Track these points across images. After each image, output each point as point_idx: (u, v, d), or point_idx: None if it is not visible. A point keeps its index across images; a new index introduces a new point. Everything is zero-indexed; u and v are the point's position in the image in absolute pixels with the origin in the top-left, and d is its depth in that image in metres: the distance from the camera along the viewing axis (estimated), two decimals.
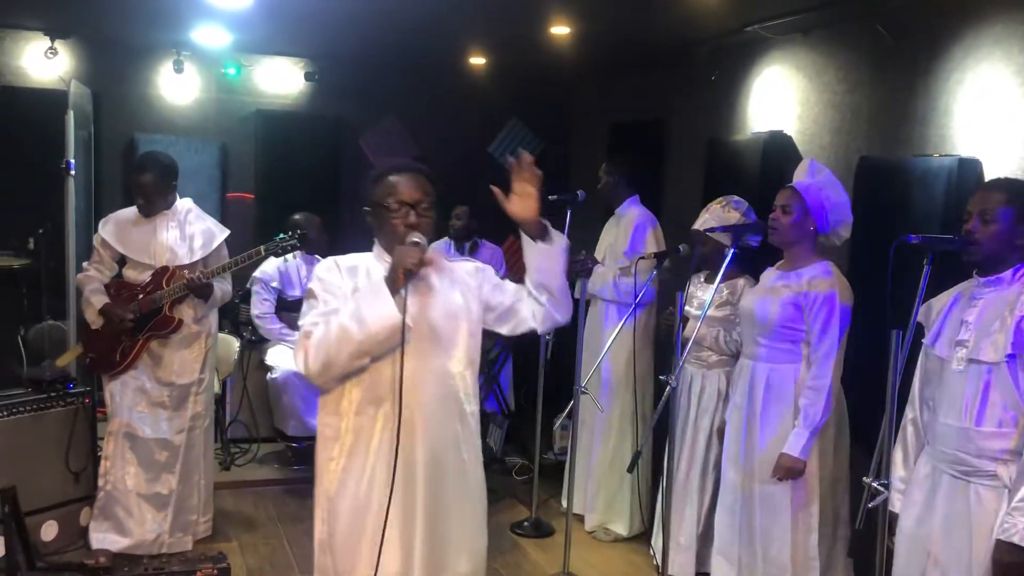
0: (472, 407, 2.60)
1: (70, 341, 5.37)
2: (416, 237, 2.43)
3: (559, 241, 2.60)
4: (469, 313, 2.59)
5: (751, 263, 4.03)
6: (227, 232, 4.40)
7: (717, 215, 4.06)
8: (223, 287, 4.33)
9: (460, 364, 2.56)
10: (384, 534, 2.38)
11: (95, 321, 4.24)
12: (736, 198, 4.11)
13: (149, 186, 4.21)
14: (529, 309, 2.63)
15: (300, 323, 2.50)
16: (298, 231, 4.08)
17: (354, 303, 2.40)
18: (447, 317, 2.54)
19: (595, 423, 4.80)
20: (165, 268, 4.22)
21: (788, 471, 3.37)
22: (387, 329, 2.35)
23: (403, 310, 2.33)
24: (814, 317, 3.40)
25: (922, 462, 2.77)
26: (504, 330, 2.68)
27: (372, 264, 2.57)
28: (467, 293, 2.61)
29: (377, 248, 2.60)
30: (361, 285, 2.50)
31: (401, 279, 2.36)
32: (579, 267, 4.55)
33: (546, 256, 2.58)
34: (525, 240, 2.59)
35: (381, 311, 2.34)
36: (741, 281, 4.02)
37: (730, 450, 3.69)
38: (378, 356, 2.43)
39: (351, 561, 2.48)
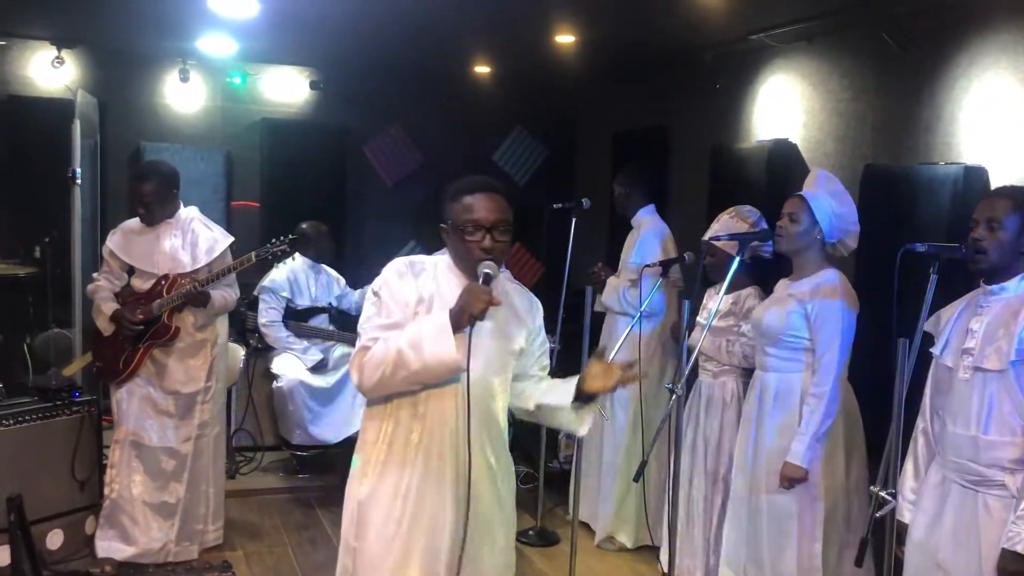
0: (503, 427, 2.63)
1: (76, 349, 5.39)
2: (488, 268, 2.40)
3: (587, 423, 2.61)
4: (519, 354, 2.61)
5: (763, 273, 4.02)
6: (231, 239, 4.39)
7: (726, 225, 4.05)
8: (224, 295, 4.32)
9: (503, 398, 2.59)
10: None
11: (107, 328, 4.25)
12: (748, 208, 4.08)
13: (149, 195, 4.22)
14: (526, 387, 2.66)
15: (361, 326, 2.50)
16: (290, 236, 4.08)
17: (417, 330, 2.38)
18: (501, 357, 2.55)
19: (602, 432, 4.78)
20: (166, 276, 4.23)
21: (790, 479, 3.36)
22: (445, 368, 2.36)
23: (467, 354, 2.34)
24: (817, 325, 3.40)
25: (932, 471, 2.77)
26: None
27: (443, 272, 2.55)
28: (527, 336, 2.61)
29: (449, 259, 2.57)
30: (427, 294, 2.50)
31: (467, 322, 2.35)
32: (592, 278, 4.53)
33: (565, 418, 2.61)
34: (566, 393, 2.57)
35: (442, 351, 2.33)
36: (746, 292, 4.00)
37: (739, 459, 3.68)
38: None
39: (374, 569, 2.49)
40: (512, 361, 2.58)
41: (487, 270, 2.40)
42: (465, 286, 2.41)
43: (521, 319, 2.61)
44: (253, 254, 4.15)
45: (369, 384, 2.43)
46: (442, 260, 2.58)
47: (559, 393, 2.60)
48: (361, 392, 2.51)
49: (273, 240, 4.13)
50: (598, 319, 4.97)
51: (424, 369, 2.36)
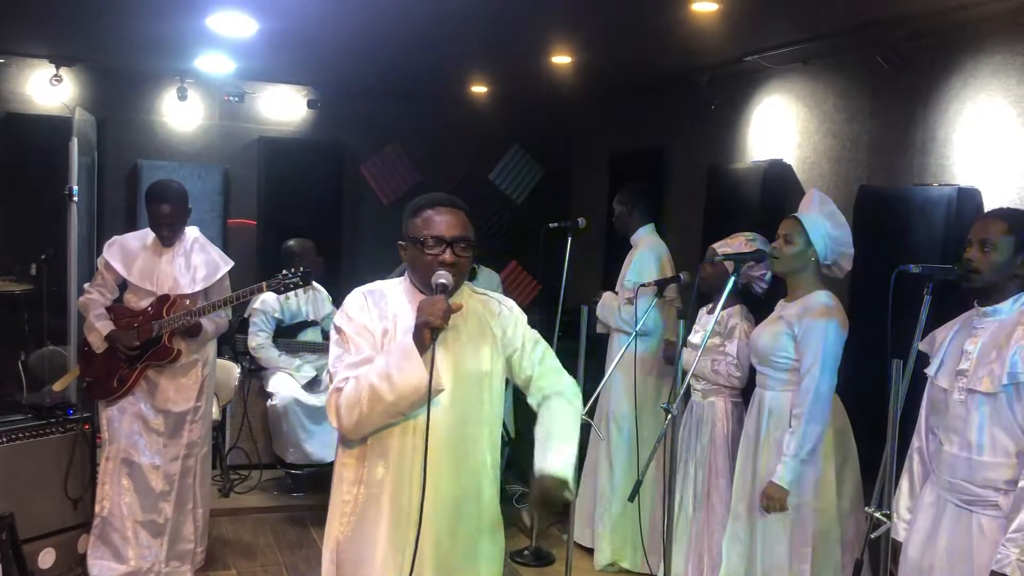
0: (493, 458, 2.56)
1: (71, 367, 5.37)
2: (442, 278, 2.36)
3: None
4: (494, 366, 2.53)
5: (757, 298, 4.03)
6: (231, 264, 4.37)
7: (738, 245, 4.02)
8: (217, 321, 4.30)
9: (483, 416, 2.51)
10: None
11: (100, 346, 4.22)
12: (762, 238, 3.99)
13: (170, 216, 4.18)
14: (533, 394, 2.62)
15: (330, 368, 2.45)
16: (301, 269, 4.03)
17: (384, 361, 2.33)
18: (474, 373, 2.49)
19: (598, 452, 4.78)
20: (166, 296, 4.19)
21: (772, 500, 3.36)
22: (418, 393, 2.28)
23: (431, 370, 2.27)
24: (803, 345, 3.41)
25: (927, 491, 2.77)
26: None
27: (400, 299, 2.49)
28: (494, 344, 2.54)
29: (407, 281, 2.53)
30: (390, 324, 2.45)
31: (427, 337, 2.28)
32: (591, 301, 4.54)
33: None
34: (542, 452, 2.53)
35: (411, 375, 2.28)
36: (728, 311, 3.99)
37: (739, 478, 3.68)
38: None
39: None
40: (487, 380, 2.51)
41: (441, 280, 2.36)
42: (420, 301, 2.36)
43: (485, 332, 2.53)
44: (264, 284, 4.08)
45: (349, 425, 2.37)
46: (399, 284, 2.54)
47: (540, 448, 2.52)
48: (343, 433, 2.44)
49: (284, 272, 4.07)
50: (600, 339, 4.97)
51: (399, 398, 2.30)
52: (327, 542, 2.53)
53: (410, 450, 2.40)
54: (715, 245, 4.06)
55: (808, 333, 3.40)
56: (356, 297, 2.49)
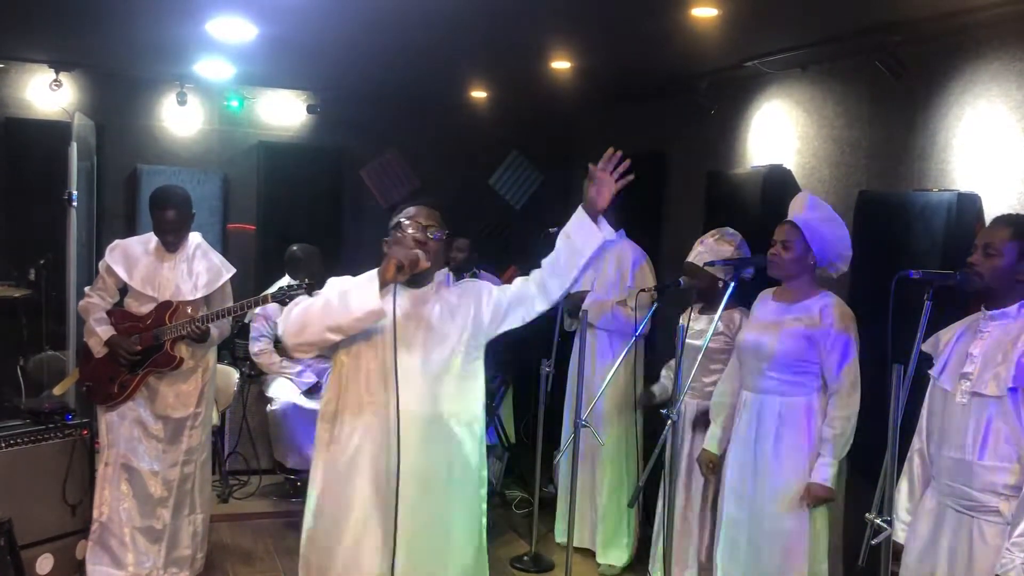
0: (465, 428, 2.78)
1: (70, 371, 5.36)
2: (419, 250, 2.66)
3: (606, 230, 2.79)
4: (458, 337, 2.76)
5: (743, 295, 4.03)
6: (233, 271, 4.36)
7: (711, 248, 4.07)
8: (221, 328, 4.29)
9: (451, 387, 2.73)
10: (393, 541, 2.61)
11: (99, 351, 4.21)
12: (730, 230, 4.13)
13: (175, 221, 4.17)
14: (535, 290, 2.80)
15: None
16: (305, 280, 4.04)
17: (344, 286, 2.64)
18: (439, 346, 2.73)
19: (593, 455, 4.78)
20: (168, 303, 4.17)
21: (821, 500, 3.36)
22: (365, 312, 2.56)
23: (393, 301, 2.58)
24: (831, 349, 3.39)
25: (928, 495, 2.77)
26: (517, 322, 2.83)
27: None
28: (460, 318, 2.77)
29: None
30: None
31: (391, 270, 2.56)
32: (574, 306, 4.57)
33: (590, 235, 2.74)
34: (579, 214, 2.76)
35: (365, 298, 2.55)
36: (737, 314, 4.00)
37: (735, 486, 3.64)
38: (372, 366, 2.68)
39: (329, 559, 2.70)
40: (452, 360, 2.73)
41: (417, 250, 2.66)
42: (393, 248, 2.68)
43: (455, 315, 2.77)
44: (269, 295, 4.09)
45: (292, 328, 2.64)
46: (371, 273, 2.72)
47: (563, 248, 2.74)
48: (283, 338, 2.70)
49: (291, 284, 4.06)
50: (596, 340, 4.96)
51: (347, 315, 2.56)
52: (309, 496, 2.77)
53: (384, 419, 2.65)
54: (690, 258, 4.08)
55: (835, 337, 3.39)
56: (341, 277, 2.81)
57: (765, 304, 3.65)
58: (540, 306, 2.81)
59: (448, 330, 2.74)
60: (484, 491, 2.86)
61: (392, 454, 2.60)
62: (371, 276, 2.59)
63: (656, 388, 4.47)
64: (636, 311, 4.36)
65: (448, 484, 2.73)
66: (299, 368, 5.60)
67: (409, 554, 2.63)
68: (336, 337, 2.63)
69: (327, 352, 2.79)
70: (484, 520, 2.86)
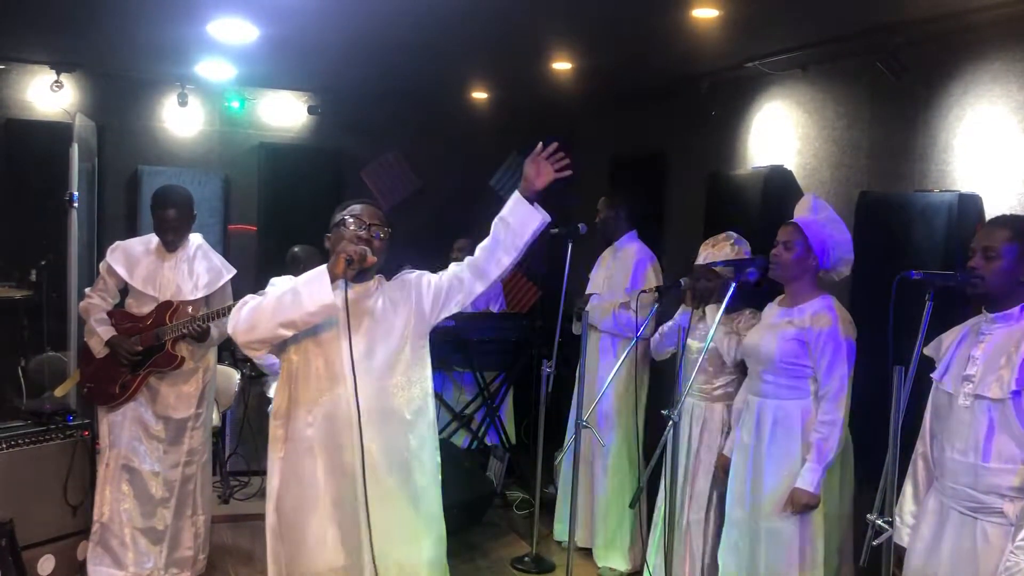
0: (417, 415, 2.84)
1: (71, 372, 5.36)
2: (365, 247, 2.71)
3: (541, 212, 2.81)
4: (402, 328, 2.82)
5: (752, 297, 4.02)
6: (233, 272, 4.38)
7: (720, 252, 4.05)
8: (220, 328, 4.29)
9: (400, 376, 2.80)
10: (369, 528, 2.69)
11: (100, 351, 4.21)
12: (735, 234, 4.12)
13: (175, 220, 4.19)
14: (469, 274, 2.85)
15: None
16: None
17: (294, 282, 2.68)
18: (386, 338, 2.80)
19: (594, 457, 4.78)
20: (169, 303, 4.18)
21: (803, 506, 3.35)
22: (319, 305, 2.61)
23: (345, 295, 2.63)
24: (820, 353, 3.39)
25: (931, 498, 2.76)
26: (456, 307, 2.87)
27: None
28: (402, 309, 2.84)
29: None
30: None
31: (340, 265, 2.62)
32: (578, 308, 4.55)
33: (527, 217, 2.79)
34: (516, 197, 2.81)
35: (317, 292, 2.61)
36: (746, 313, 4.00)
37: (735, 487, 3.66)
38: (320, 362, 2.75)
39: (296, 553, 2.76)
40: (401, 350, 2.80)
41: (356, 247, 2.69)
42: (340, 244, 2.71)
43: (397, 307, 2.83)
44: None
45: (243, 325, 2.69)
46: (319, 268, 2.75)
47: (500, 231, 2.80)
48: (234, 336, 2.75)
49: None
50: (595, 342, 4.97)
51: (298, 309, 2.61)
52: (269, 496, 2.84)
53: (335, 413, 2.73)
54: (699, 262, 4.08)
55: (824, 340, 3.38)
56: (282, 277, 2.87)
57: (770, 308, 3.66)
58: (479, 288, 2.86)
59: (393, 322, 2.81)
60: (439, 476, 2.94)
61: (347, 447, 2.70)
62: (320, 272, 2.65)
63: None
64: (637, 313, 4.36)
65: (407, 470, 2.81)
66: None
67: (378, 544, 2.70)
68: (288, 333, 2.68)
69: (275, 351, 2.83)
70: (440, 506, 2.94)
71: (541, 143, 2.81)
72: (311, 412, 2.76)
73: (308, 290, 2.62)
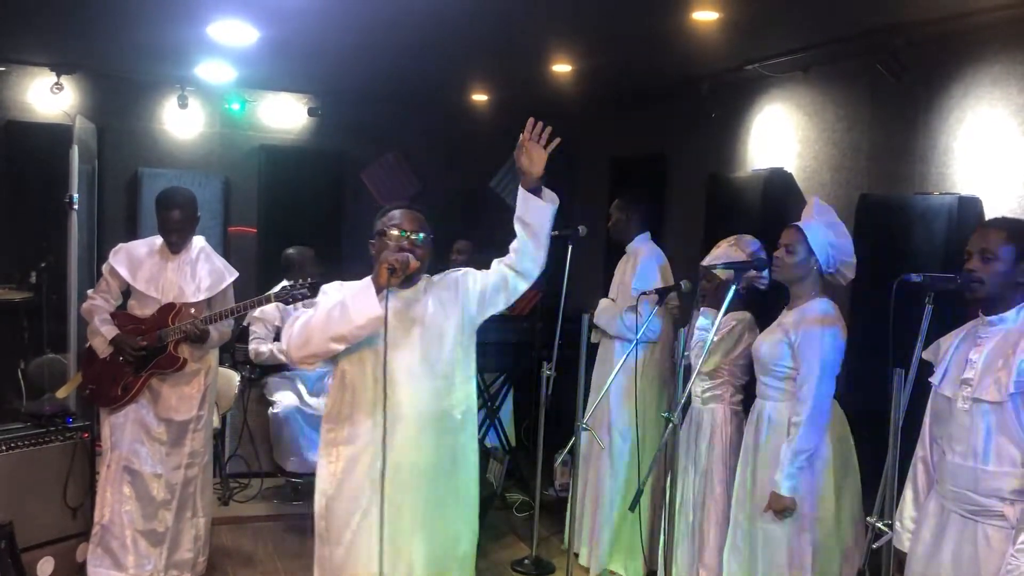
0: (468, 415, 2.89)
1: (70, 375, 5.36)
2: (407, 254, 2.72)
3: (549, 198, 2.82)
4: (454, 330, 2.85)
5: (760, 303, 4.03)
6: (235, 275, 4.37)
7: (726, 253, 4.04)
8: (221, 329, 4.29)
9: (453, 379, 2.84)
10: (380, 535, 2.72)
11: (104, 351, 4.21)
12: (750, 238, 4.07)
13: (179, 221, 4.19)
14: (512, 273, 2.87)
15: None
16: (309, 280, 4.05)
17: (342, 296, 2.71)
18: (437, 342, 2.82)
19: (598, 460, 4.76)
20: (171, 305, 4.18)
21: (782, 509, 3.35)
22: (367, 319, 2.64)
23: (385, 305, 2.63)
24: (800, 354, 3.40)
25: (931, 501, 2.76)
26: (501, 305, 2.91)
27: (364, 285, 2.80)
28: (452, 310, 2.86)
29: (370, 279, 2.79)
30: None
31: (384, 275, 2.63)
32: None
33: (540, 211, 2.79)
34: (522, 193, 2.80)
35: (364, 306, 2.64)
36: (746, 317, 4.00)
37: (737, 489, 3.67)
38: (374, 371, 2.74)
39: (341, 558, 2.79)
40: (454, 353, 2.84)
41: (407, 254, 2.73)
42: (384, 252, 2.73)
43: (447, 310, 2.85)
44: (272, 294, 4.10)
45: (296, 341, 2.73)
46: (367, 279, 2.78)
47: (522, 232, 2.81)
48: (287, 353, 2.80)
49: (293, 283, 4.09)
50: (594, 346, 4.96)
51: (348, 324, 2.65)
52: (317, 499, 2.86)
53: (381, 419, 2.71)
54: (705, 263, 4.06)
55: (805, 341, 3.39)
56: (332, 283, 2.91)
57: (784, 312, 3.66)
58: (522, 286, 2.90)
59: (443, 326, 2.84)
60: (478, 472, 3.00)
61: (400, 453, 2.72)
62: (366, 284, 2.69)
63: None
64: (638, 314, 4.35)
65: (452, 475, 2.86)
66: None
67: (425, 548, 2.76)
68: (339, 347, 2.71)
69: (329, 363, 2.87)
70: (478, 500, 3.01)
71: (531, 122, 2.86)
72: (364, 420, 2.78)
73: (355, 304, 2.66)
